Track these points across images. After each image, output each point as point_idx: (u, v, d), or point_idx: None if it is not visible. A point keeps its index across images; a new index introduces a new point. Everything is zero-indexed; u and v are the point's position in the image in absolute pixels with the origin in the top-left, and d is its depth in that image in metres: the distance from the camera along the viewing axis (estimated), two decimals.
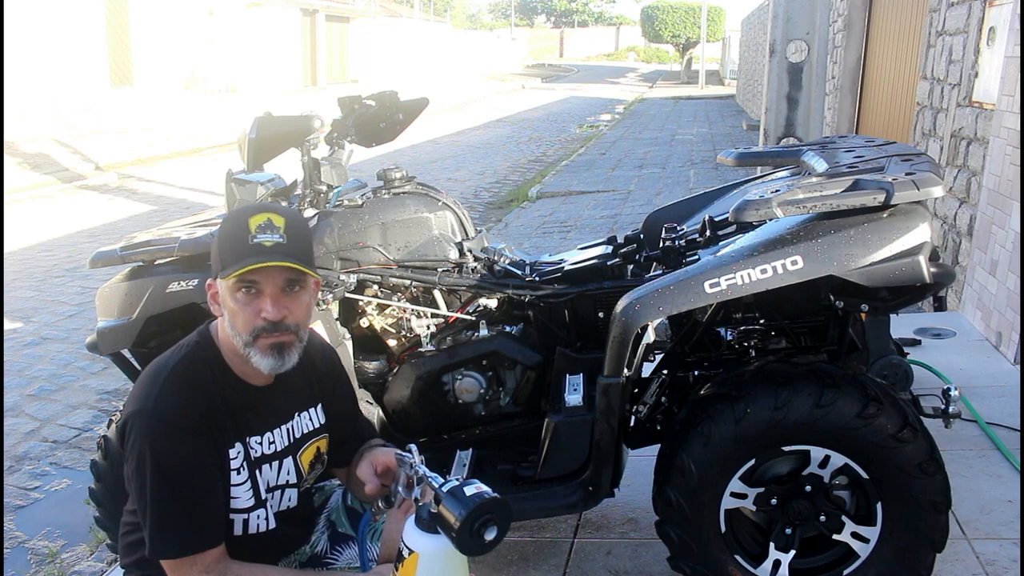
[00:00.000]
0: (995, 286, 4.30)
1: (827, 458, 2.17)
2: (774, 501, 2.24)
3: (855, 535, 2.23)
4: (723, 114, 21.98)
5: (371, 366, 2.73)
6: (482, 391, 2.68)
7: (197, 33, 19.54)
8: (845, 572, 2.25)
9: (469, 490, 1.49)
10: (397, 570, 1.56)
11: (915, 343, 4.31)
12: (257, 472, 1.80)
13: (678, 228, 2.72)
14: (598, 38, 69.26)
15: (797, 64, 5.97)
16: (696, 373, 2.55)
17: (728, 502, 2.24)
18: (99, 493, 2.67)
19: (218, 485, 1.73)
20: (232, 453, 1.75)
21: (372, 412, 2.64)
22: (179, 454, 1.66)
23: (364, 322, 2.75)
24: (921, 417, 2.22)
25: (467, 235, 2.75)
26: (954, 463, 2.99)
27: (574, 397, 2.44)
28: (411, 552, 1.53)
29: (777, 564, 2.27)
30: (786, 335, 2.56)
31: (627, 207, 9.66)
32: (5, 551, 3.35)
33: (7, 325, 5.96)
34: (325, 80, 26.21)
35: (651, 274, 2.55)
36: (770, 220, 2.10)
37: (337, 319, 2.67)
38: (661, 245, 2.64)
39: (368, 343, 2.77)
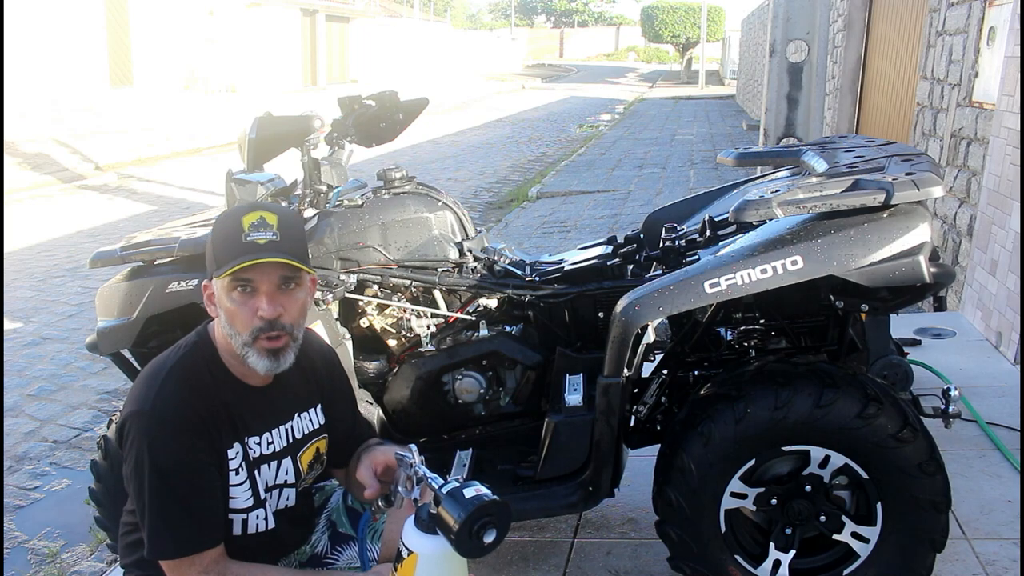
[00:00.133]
0: (995, 286, 4.30)
1: (827, 458, 2.17)
2: (774, 501, 2.24)
3: (855, 535, 2.23)
4: (723, 114, 21.98)
5: (371, 366, 2.73)
6: (482, 391, 2.68)
7: (197, 33, 19.54)
8: (845, 572, 2.25)
9: (469, 492, 1.49)
10: (396, 570, 1.56)
11: (915, 343, 4.31)
12: (256, 472, 1.80)
13: (678, 228, 2.72)
14: (598, 38, 69.26)
15: (797, 64, 5.97)
16: (696, 373, 2.55)
17: (728, 502, 2.24)
18: (99, 493, 2.67)
19: (217, 485, 1.73)
20: (231, 453, 1.75)
21: (372, 412, 2.64)
22: (178, 454, 1.66)
23: (364, 322, 2.75)
24: (921, 417, 2.22)
25: (467, 235, 2.75)
26: (954, 463, 2.99)
27: (574, 397, 2.44)
28: (410, 553, 1.53)
29: (777, 564, 2.27)
30: (786, 335, 2.56)
31: (627, 207, 9.66)
32: (5, 551, 3.35)
33: (7, 325, 5.96)
34: (325, 80, 26.21)
35: (651, 274, 2.55)
36: (770, 220, 2.10)
37: (337, 319, 2.67)
38: (661, 245, 2.64)
39: (368, 343, 2.77)
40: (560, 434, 2.41)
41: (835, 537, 2.24)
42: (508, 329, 2.71)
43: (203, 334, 1.80)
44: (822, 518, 2.22)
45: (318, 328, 2.46)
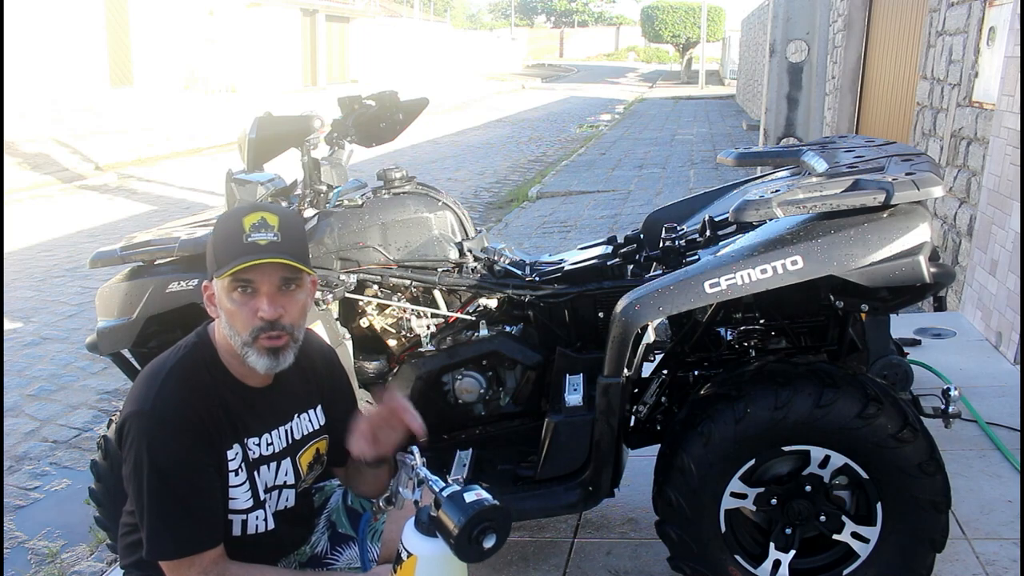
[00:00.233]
0: (995, 286, 4.30)
1: (827, 458, 2.17)
2: (774, 501, 2.24)
3: (855, 535, 2.23)
4: (723, 114, 21.98)
5: (371, 366, 2.73)
6: (482, 391, 2.68)
7: (197, 33, 19.54)
8: (845, 572, 2.25)
9: (469, 496, 1.48)
10: (396, 572, 1.56)
11: (915, 343, 4.31)
12: (255, 473, 1.80)
13: (678, 228, 2.72)
14: (598, 38, 69.26)
15: (797, 64, 5.97)
16: (696, 373, 2.55)
17: (728, 502, 2.24)
18: (99, 493, 2.67)
19: (216, 486, 1.73)
20: (230, 454, 1.75)
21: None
22: (177, 455, 1.66)
23: (364, 322, 2.75)
24: (921, 417, 2.21)
25: (467, 235, 2.75)
26: (954, 463, 2.99)
27: (574, 397, 2.44)
28: (410, 555, 1.53)
29: (777, 564, 2.27)
30: (786, 335, 2.56)
31: (627, 207, 9.66)
32: (5, 551, 3.35)
33: (7, 325, 5.96)
34: (325, 80, 26.21)
35: (651, 274, 2.55)
36: (770, 220, 2.10)
37: (337, 319, 2.67)
38: (661, 245, 2.64)
39: (368, 343, 2.77)
40: (560, 434, 2.41)
41: (835, 537, 2.24)
42: (508, 329, 2.71)
43: (203, 335, 1.80)
44: (822, 518, 2.22)
45: (318, 328, 2.46)
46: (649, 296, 2.11)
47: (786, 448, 2.18)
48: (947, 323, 4.63)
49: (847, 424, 2.10)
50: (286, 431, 1.85)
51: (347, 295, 2.65)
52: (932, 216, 4.07)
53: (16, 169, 11.85)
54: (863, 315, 2.33)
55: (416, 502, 1.61)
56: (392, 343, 2.76)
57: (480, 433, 2.73)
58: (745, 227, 2.40)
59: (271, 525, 1.83)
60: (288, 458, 1.85)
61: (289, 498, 1.88)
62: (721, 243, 2.42)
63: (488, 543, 1.47)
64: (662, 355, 2.64)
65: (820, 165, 2.32)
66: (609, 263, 2.69)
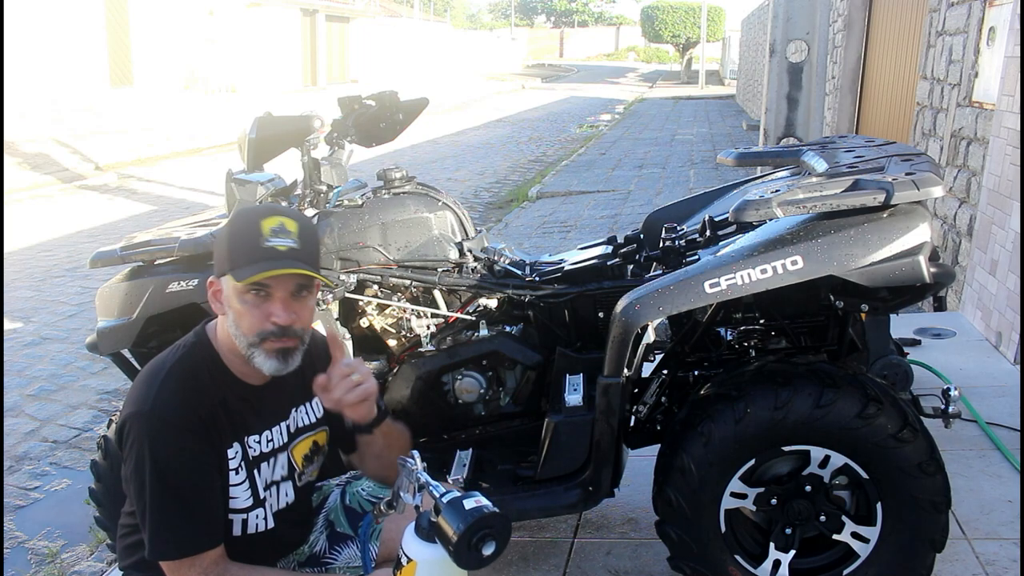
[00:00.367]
0: (995, 286, 4.30)
1: (827, 458, 2.17)
2: (774, 501, 2.24)
3: (855, 535, 2.23)
4: (723, 114, 21.98)
5: (371, 366, 2.72)
6: (482, 391, 2.68)
7: (197, 33, 19.54)
8: (845, 572, 2.25)
9: (469, 503, 1.48)
10: None
11: (915, 343, 4.31)
12: (255, 471, 1.80)
13: (678, 228, 2.72)
14: (598, 38, 69.26)
15: (797, 64, 5.98)
16: (696, 373, 2.55)
17: (728, 502, 2.24)
18: (99, 493, 2.67)
19: (217, 486, 1.73)
20: (230, 453, 1.75)
21: None
22: (178, 455, 1.66)
23: (364, 322, 2.75)
24: (921, 417, 2.21)
25: (467, 235, 2.75)
26: (954, 463, 2.99)
27: (574, 397, 2.44)
28: (410, 560, 1.53)
29: (777, 564, 2.27)
30: (786, 335, 2.56)
31: (627, 207, 9.66)
32: (5, 551, 3.35)
33: (7, 325, 5.96)
34: (325, 80, 26.21)
35: (651, 274, 2.55)
36: (770, 220, 2.10)
37: (337, 319, 2.67)
38: (661, 245, 2.64)
39: (368, 343, 2.77)
40: (560, 434, 2.41)
41: (835, 537, 2.24)
42: (508, 329, 2.71)
43: (201, 334, 1.80)
44: (822, 518, 2.22)
45: (318, 328, 2.46)
46: (649, 296, 2.11)
47: (786, 448, 2.18)
48: (947, 323, 4.63)
49: (847, 424, 2.10)
50: (286, 426, 1.86)
51: (347, 295, 2.65)
52: (932, 216, 4.07)
53: (16, 169, 11.85)
54: (863, 315, 2.33)
55: (417, 507, 1.60)
56: (392, 343, 2.76)
57: (480, 433, 2.73)
58: (745, 227, 2.40)
59: (271, 524, 1.83)
60: (284, 452, 1.85)
61: (288, 493, 1.88)
62: (721, 243, 2.42)
63: (487, 550, 1.47)
64: (662, 355, 2.64)
65: (820, 165, 2.32)
66: (609, 263, 2.69)
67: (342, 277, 2.61)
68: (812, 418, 2.11)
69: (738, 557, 2.28)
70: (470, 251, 2.70)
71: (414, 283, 2.67)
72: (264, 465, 1.81)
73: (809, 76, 5.98)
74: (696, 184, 10.73)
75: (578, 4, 73.44)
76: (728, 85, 33.89)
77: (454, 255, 2.70)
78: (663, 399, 2.55)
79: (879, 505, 2.17)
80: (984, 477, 3.08)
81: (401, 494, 1.67)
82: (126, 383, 4.12)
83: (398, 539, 1.60)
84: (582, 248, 2.88)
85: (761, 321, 2.53)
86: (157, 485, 1.64)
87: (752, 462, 2.20)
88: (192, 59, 19.45)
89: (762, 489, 2.24)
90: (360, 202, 2.67)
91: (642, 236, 2.85)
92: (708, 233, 2.57)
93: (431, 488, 1.56)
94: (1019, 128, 4.06)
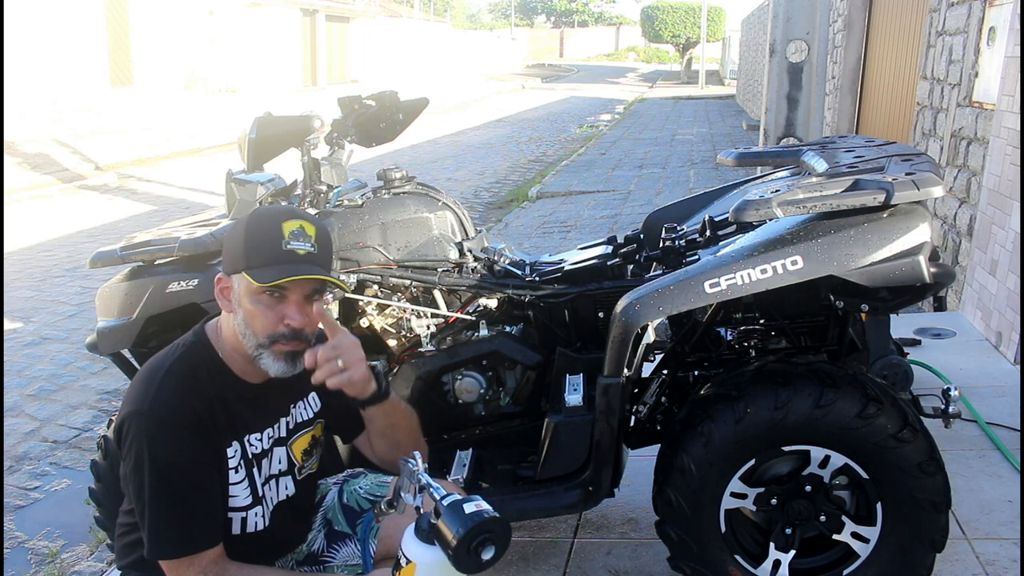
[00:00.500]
0: (995, 286, 4.30)
1: (827, 458, 2.17)
2: (774, 501, 2.24)
3: (855, 535, 2.23)
4: (723, 114, 21.98)
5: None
6: (482, 391, 2.68)
7: (197, 33, 19.54)
8: (845, 572, 2.25)
9: (469, 507, 1.48)
10: None
11: (915, 343, 4.31)
12: (255, 469, 1.80)
13: (678, 228, 2.72)
14: (598, 38, 69.26)
15: (797, 64, 5.97)
16: (696, 373, 2.55)
17: (728, 502, 2.24)
18: (99, 493, 2.67)
19: (216, 485, 1.73)
20: (230, 452, 1.75)
21: None
22: (177, 454, 1.66)
23: (364, 322, 2.75)
24: (921, 417, 2.21)
25: (467, 235, 2.75)
26: (954, 463, 2.99)
27: (574, 397, 2.44)
28: (409, 562, 1.53)
29: (777, 564, 2.27)
30: (786, 335, 2.56)
31: (627, 207, 9.66)
32: (5, 551, 3.35)
33: (7, 325, 5.96)
34: (325, 80, 26.21)
35: (651, 274, 2.55)
36: (770, 220, 2.10)
37: (337, 319, 2.67)
38: (661, 245, 2.64)
39: (368, 343, 2.77)
40: (560, 434, 2.41)
41: (835, 537, 2.24)
42: (508, 329, 2.71)
43: (200, 333, 1.80)
44: (822, 518, 2.22)
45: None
46: (649, 296, 2.11)
47: (786, 448, 2.18)
48: (947, 323, 4.63)
49: (847, 424, 2.10)
50: (285, 423, 1.86)
51: (347, 295, 2.65)
52: (932, 216, 4.07)
53: (16, 169, 11.85)
54: (863, 315, 2.33)
55: (417, 508, 1.60)
56: (392, 343, 2.76)
57: (480, 433, 2.73)
58: (745, 227, 2.40)
59: (269, 522, 1.83)
60: (282, 447, 1.86)
61: (288, 486, 1.88)
62: (721, 243, 2.42)
63: (487, 555, 1.46)
64: (662, 355, 2.64)
65: (820, 165, 2.32)
66: (609, 263, 2.69)
67: (342, 277, 2.61)
68: (812, 418, 2.11)
69: (738, 557, 2.28)
70: (470, 251, 2.70)
71: (414, 283, 2.67)
72: (264, 462, 1.82)
73: (809, 76, 5.98)
74: (696, 184, 10.73)
75: (578, 4, 73.45)
76: (728, 85, 33.89)
77: (454, 255, 2.70)
78: (663, 399, 2.55)
79: (879, 505, 2.17)
80: (984, 477, 3.08)
81: (402, 494, 1.66)
82: (126, 383, 4.11)
83: (397, 537, 1.60)
84: (582, 248, 2.88)
85: (761, 321, 2.53)
86: (156, 484, 1.64)
87: (752, 462, 2.20)
88: (192, 59, 19.45)
89: (762, 489, 2.24)
90: (360, 202, 2.67)
91: (642, 236, 2.85)
92: (708, 233, 2.57)
93: (432, 490, 1.56)
94: (1019, 128, 4.06)
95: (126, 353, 2.68)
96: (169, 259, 2.58)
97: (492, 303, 2.71)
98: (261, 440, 1.80)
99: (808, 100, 6.05)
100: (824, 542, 2.28)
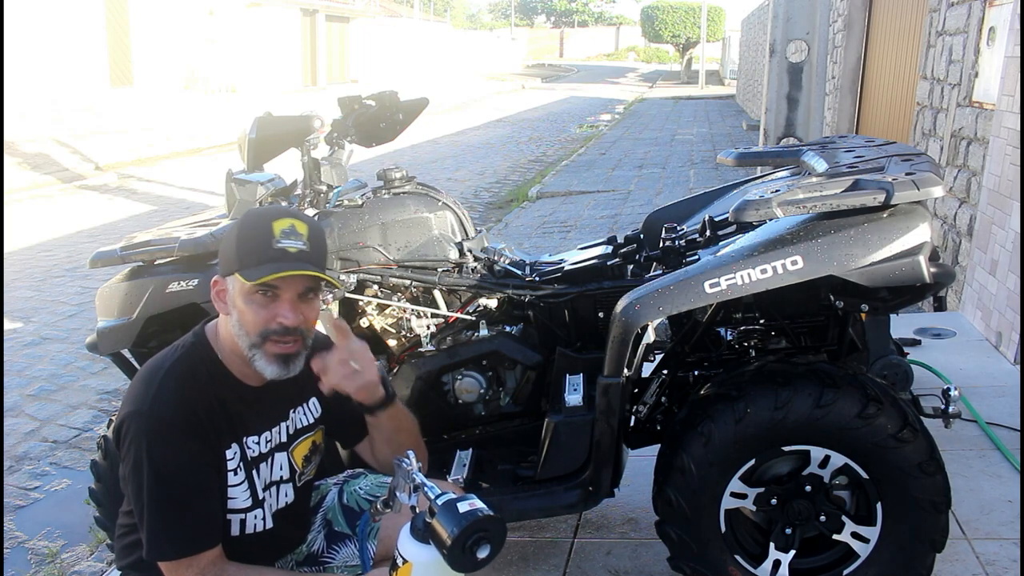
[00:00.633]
0: (995, 286, 4.30)
1: (827, 458, 2.17)
2: (774, 501, 2.24)
3: (855, 535, 2.23)
4: (723, 114, 21.98)
5: None
6: (482, 391, 2.68)
7: (197, 33, 19.54)
8: (845, 572, 2.25)
9: (463, 506, 1.48)
10: None
11: (915, 343, 4.31)
12: (254, 472, 1.80)
13: (678, 228, 2.72)
14: (598, 38, 69.26)
15: (797, 64, 5.97)
16: (696, 373, 2.55)
17: (728, 502, 2.24)
18: (99, 493, 2.67)
19: (215, 486, 1.73)
20: (229, 454, 1.75)
21: None
22: (176, 455, 1.66)
23: (364, 322, 2.75)
24: (921, 417, 2.21)
25: (467, 235, 2.75)
26: (954, 463, 2.99)
27: (574, 397, 2.44)
28: (405, 561, 1.53)
29: (777, 564, 2.27)
30: (786, 335, 2.56)
31: (627, 207, 9.66)
32: (5, 551, 3.35)
33: (7, 325, 5.96)
34: (325, 80, 26.21)
35: (651, 274, 2.55)
36: (770, 220, 2.10)
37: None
38: (661, 245, 2.64)
39: (368, 343, 2.76)
40: (560, 434, 2.41)
41: (835, 537, 2.24)
42: (508, 329, 2.71)
43: (200, 334, 1.80)
44: (822, 518, 2.22)
45: (318, 328, 2.46)
46: (649, 296, 2.11)
47: (786, 448, 2.18)
48: (947, 323, 4.63)
49: (847, 424, 2.10)
50: (285, 427, 1.86)
51: (347, 295, 2.65)
52: (932, 216, 4.07)
53: (16, 169, 11.85)
54: (863, 315, 2.33)
55: (413, 507, 1.60)
56: (392, 343, 2.76)
57: (480, 433, 2.73)
58: (745, 227, 2.40)
59: (269, 524, 1.83)
60: (283, 452, 1.85)
61: (288, 493, 1.88)
62: (721, 243, 2.42)
63: (482, 553, 1.46)
64: (662, 355, 2.64)
65: (820, 165, 2.32)
66: (609, 263, 2.69)
67: (342, 277, 2.61)
68: (812, 418, 2.11)
69: (738, 557, 2.28)
70: (470, 251, 2.70)
71: (414, 283, 2.67)
72: (263, 466, 1.82)
73: (809, 76, 5.98)
74: (696, 184, 10.73)
75: (578, 4, 73.44)
76: (728, 85, 33.88)
77: (454, 255, 2.70)
78: (663, 399, 2.55)
79: (879, 505, 2.17)
80: (984, 477, 3.08)
81: (397, 494, 1.67)
82: (126, 383, 4.11)
83: (396, 538, 1.60)
84: (582, 248, 2.88)
85: (761, 321, 2.53)
86: (155, 485, 1.64)
87: (752, 462, 2.20)
88: (192, 59, 19.45)
89: (762, 489, 2.24)
90: (360, 202, 2.67)
91: (642, 236, 2.85)
92: (708, 233, 2.57)
93: (426, 489, 1.56)
94: (1019, 128, 4.06)
95: (126, 353, 2.68)
96: (169, 259, 2.58)
97: (492, 303, 2.70)
98: (259, 443, 1.80)
99: (808, 100, 6.05)
100: (824, 542, 2.28)
